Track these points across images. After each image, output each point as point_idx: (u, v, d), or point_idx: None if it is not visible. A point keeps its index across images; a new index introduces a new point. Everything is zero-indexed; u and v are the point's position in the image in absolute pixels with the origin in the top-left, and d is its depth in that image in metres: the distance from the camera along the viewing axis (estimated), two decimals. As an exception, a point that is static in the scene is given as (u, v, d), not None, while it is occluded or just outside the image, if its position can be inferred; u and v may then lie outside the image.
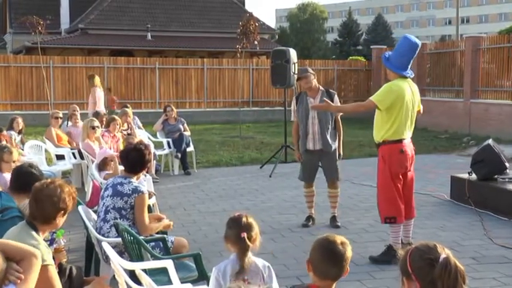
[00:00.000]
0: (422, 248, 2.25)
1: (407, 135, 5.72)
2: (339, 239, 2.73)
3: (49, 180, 3.44)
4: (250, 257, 3.25)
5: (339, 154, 7.08)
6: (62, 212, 3.32)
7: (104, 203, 4.76)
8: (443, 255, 2.19)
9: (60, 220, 3.35)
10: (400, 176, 5.68)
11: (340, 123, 7.06)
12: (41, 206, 3.25)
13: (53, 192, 3.28)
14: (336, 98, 6.91)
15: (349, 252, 2.71)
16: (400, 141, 5.63)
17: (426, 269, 2.18)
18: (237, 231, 3.23)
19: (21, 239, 3.12)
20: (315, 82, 6.93)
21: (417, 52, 5.65)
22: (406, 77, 5.63)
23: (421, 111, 5.94)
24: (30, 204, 3.35)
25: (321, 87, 6.99)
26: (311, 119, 6.90)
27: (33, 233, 3.25)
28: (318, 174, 7.28)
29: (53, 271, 3.18)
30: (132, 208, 4.71)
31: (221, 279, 3.20)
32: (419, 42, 5.68)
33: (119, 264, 3.80)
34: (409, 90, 5.67)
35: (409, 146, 5.73)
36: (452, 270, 2.15)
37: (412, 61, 5.65)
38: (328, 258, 2.67)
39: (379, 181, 5.78)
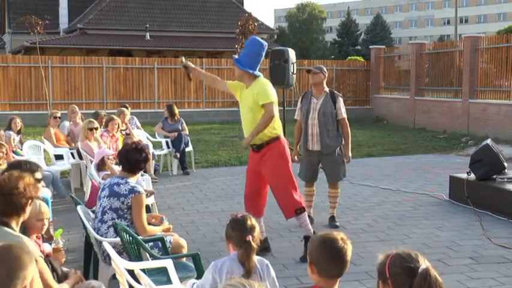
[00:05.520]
0: (404, 255, 2.24)
1: None
2: (338, 235, 2.69)
3: (6, 174, 3.47)
4: (254, 258, 3.20)
5: (347, 157, 6.92)
6: (30, 201, 3.37)
7: (101, 204, 4.70)
8: (423, 266, 2.18)
9: (28, 209, 3.39)
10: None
11: (348, 127, 6.90)
12: (10, 199, 3.29)
13: (17, 184, 3.32)
14: (339, 101, 6.81)
15: (349, 246, 2.67)
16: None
17: (403, 276, 2.18)
18: (242, 234, 3.16)
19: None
20: (320, 80, 6.80)
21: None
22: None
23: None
24: None
25: (326, 89, 6.88)
26: (311, 119, 6.84)
27: (7, 229, 3.25)
28: (319, 174, 7.27)
29: (42, 263, 3.19)
30: (129, 209, 4.66)
31: (217, 276, 3.15)
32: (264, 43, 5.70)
33: (120, 264, 3.79)
34: None
35: None
36: (432, 282, 2.15)
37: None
38: (332, 257, 2.61)
39: (284, 175, 5.77)
